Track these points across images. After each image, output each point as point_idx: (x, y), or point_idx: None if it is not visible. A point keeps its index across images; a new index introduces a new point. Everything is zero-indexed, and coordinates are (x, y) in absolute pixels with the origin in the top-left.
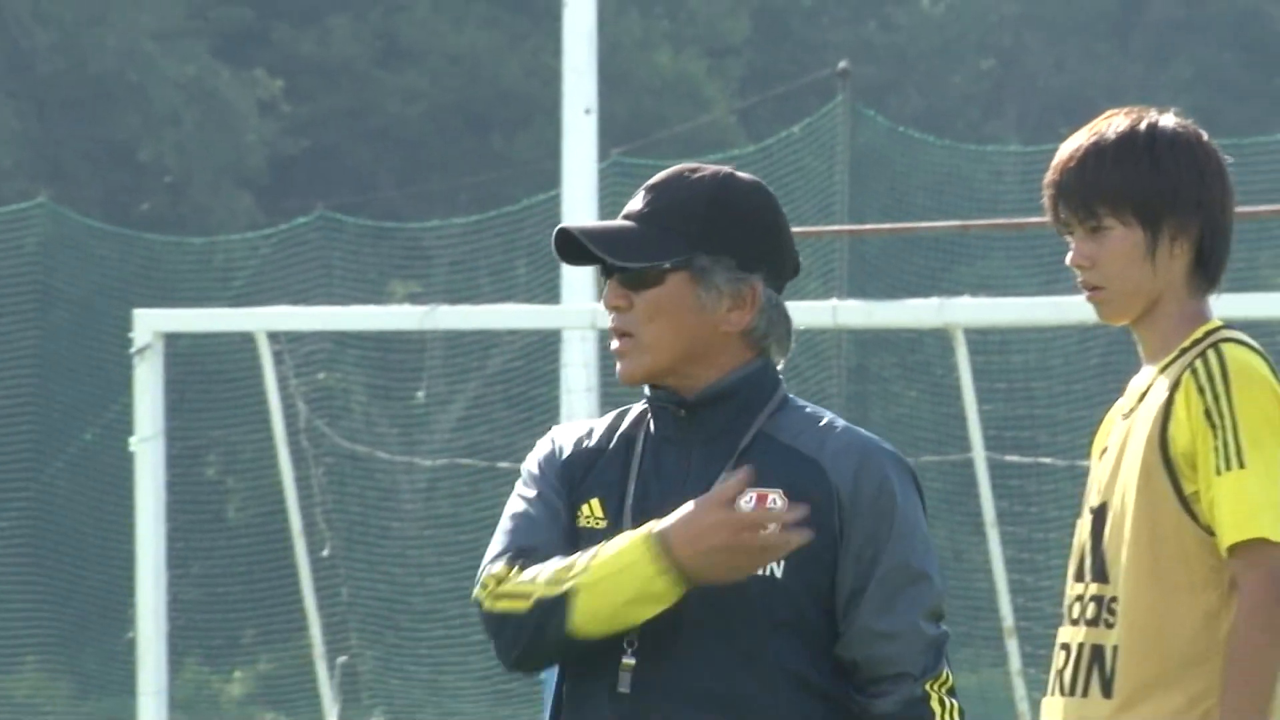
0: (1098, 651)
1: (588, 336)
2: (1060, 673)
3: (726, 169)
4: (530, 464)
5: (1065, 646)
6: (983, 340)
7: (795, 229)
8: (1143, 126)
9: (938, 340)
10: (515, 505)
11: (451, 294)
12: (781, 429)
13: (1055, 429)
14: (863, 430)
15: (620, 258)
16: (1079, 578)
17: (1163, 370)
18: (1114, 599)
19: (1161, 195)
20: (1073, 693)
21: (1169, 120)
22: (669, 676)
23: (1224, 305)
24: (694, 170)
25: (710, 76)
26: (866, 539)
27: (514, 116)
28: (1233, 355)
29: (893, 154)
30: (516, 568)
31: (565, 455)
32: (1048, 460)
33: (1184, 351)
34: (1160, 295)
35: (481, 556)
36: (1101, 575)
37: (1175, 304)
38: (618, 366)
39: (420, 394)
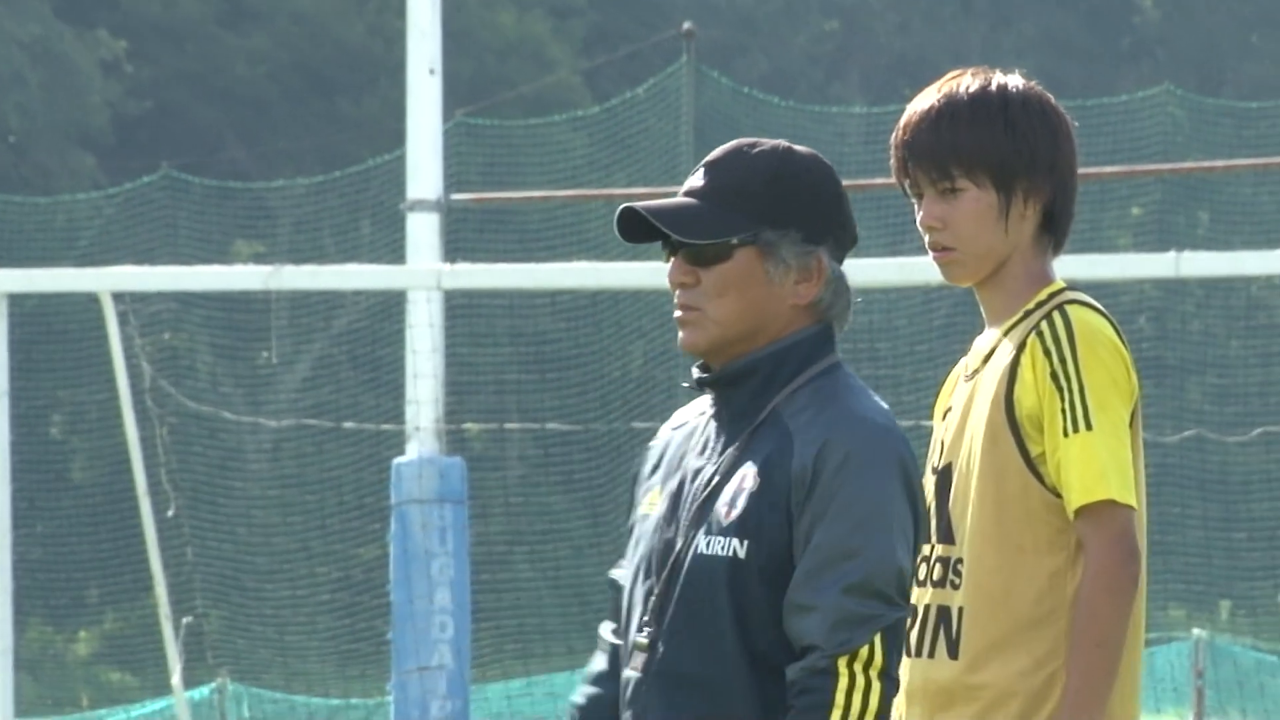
0: (944, 613)
1: (433, 297)
2: (907, 634)
3: (784, 143)
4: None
5: (913, 608)
6: None
7: (639, 189)
8: (994, 88)
9: None
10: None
11: (296, 254)
12: (792, 405)
13: (900, 389)
14: (865, 405)
15: (688, 234)
16: (925, 539)
17: (1007, 332)
18: (960, 560)
19: (1019, 157)
20: (919, 654)
21: (1017, 81)
22: (660, 657)
23: (1068, 266)
24: (752, 145)
25: (554, 37)
26: (812, 516)
27: (358, 77)
28: (1079, 317)
29: (737, 115)
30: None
31: (651, 450)
32: None
33: (1029, 313)
34: (1008, 256)
35: (326, 517)
36: (947, 536)
37: (1022, 265)
38: (680, 334)
39: (266, 354)
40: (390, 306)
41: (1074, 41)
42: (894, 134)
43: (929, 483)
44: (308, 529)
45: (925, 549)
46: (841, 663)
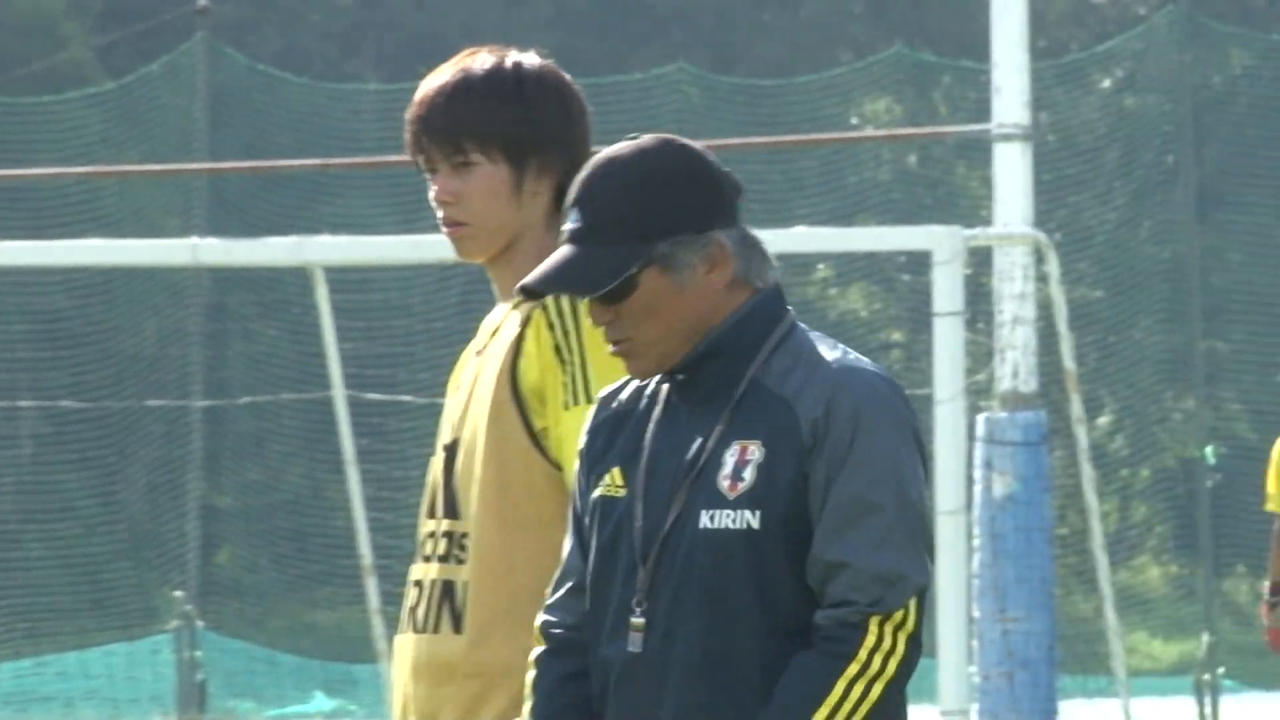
0: (449, 587)
1: None
2: (413, 610)
3: (627, 147)
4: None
5: (418, 583)
6: (342, 278)
7: (153, 167)
8: (509, 64)
9: (297, 278)
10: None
11: None
12: (772, 373)
13: (415, 366)
14: (855, 359)
15: (590, 288)
16: (431, 514)
17: (516, 307)
18: (465, 535)
19: (531, 133)
20: (424, 629)
21: (532, 59)
22: (669, 638)
23: None
24: (607, 160)
25: (67, 13)
26: (826, 472)
27: None
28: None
29: (252, 92)
30: (541, 642)
31: (592, 424)
32: (407, 398)
33: None
34: (520, 233)
35: None
36: (453, 511)
37: (533, 242)
38: (627, 366)
39: None
40: None
41: (589, 19)
42: (409, 110)
43: (437, 459)
44: None
45: (432, 524)
46: (874, 621)
